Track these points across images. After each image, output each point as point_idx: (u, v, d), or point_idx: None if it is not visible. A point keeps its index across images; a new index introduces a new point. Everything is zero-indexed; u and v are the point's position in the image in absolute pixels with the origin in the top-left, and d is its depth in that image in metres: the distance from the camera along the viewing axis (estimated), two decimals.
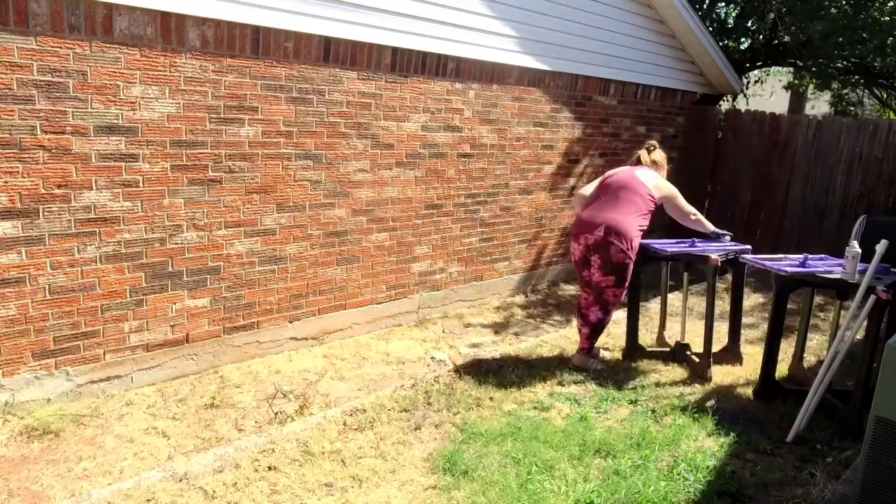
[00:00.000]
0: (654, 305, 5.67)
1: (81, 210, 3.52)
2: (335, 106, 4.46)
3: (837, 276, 3.68)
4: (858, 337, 3.84)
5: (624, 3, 6.46)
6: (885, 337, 3.09)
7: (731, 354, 4.58)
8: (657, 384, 4.20)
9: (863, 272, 3.55)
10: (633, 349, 4.63)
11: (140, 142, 3.64)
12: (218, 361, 4.26)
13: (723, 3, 11.19)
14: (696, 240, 4.62)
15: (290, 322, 4.59)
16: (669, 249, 4.46)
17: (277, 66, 4.10)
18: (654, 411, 3.82)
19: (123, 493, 2.77)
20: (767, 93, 13.70)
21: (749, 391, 4.13)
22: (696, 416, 3.73)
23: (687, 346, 4.59)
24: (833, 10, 8.80)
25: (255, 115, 4.07)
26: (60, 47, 3.28)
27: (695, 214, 4.54)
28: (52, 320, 3.54)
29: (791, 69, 12.24)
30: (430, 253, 5.43)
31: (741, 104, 11.76)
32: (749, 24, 10.84)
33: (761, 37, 10.83)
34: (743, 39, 11.15)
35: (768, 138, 7.60)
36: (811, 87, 11.56)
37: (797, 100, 14.97)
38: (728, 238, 4.64)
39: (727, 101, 10.88)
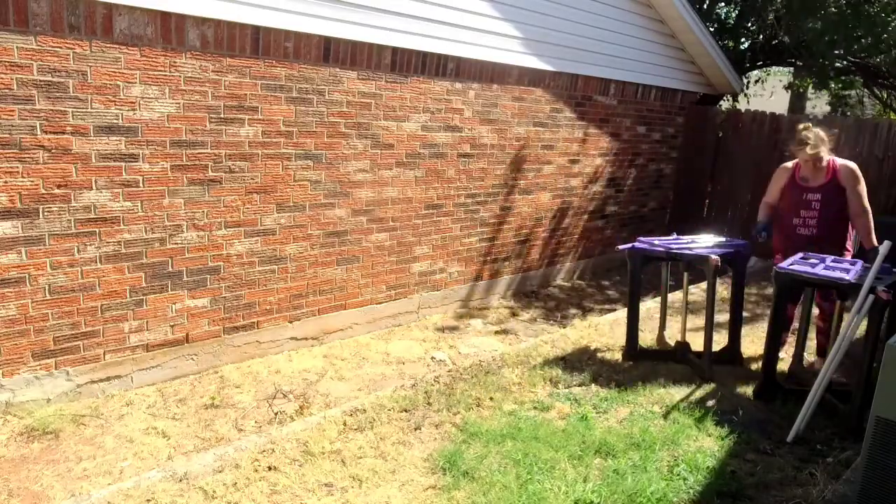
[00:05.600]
0: (654, 305, 5.67)
1: (81, 210, 3.52)
2: (335, 106, 4.46)
3: (837, 276, 3.68)
4: (858, 337, 3.83)
5: (624, 3, 6.46)
6: (885, 337, 3.09)
7: (731, 354, 4.58)
8: (657, 384, 4.20)
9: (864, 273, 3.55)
10: (634, 349, 4.63)
11: (140, 142, 3.64)
12: (218, 361, 4.26)
13: (723, 3, 11.20)
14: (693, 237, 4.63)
15: (290, 322, 4.59)
16: (672, 248, 4.45)
17: (277, 66, 4.10)
18: (653, 411, 3.82)
19: (123, 493, 2.77)
20: (767, 93, 13.70)
21: (749, 391, 4.13)
22: (696, 416, 3.72)
23: (687, 346, 4.58)
24: (832, 9, 8.81)
25: (255, 115, 4.07)
26: (60, 47, 3.28)
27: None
28: (52, 320, 3.54)
29: (791, 69, 12.25)
30: (430, 253, 5.43)
31: (741, 104, 11.77)
32: (749, 25, 10.84)
33: (761, 37, 10.84)
34: (743, 39, 11.15)
35: (768, 138, 7.60)
36: (811, 86, 11.57)
37: (797, 100, 14.98)
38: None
39: (727, 100, 10.89)
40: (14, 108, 3.20)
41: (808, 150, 4.24)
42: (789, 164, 4.58)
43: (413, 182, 5.11)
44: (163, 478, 2.89)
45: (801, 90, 13.82)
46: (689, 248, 4.44)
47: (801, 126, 4.40)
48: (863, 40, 8.64)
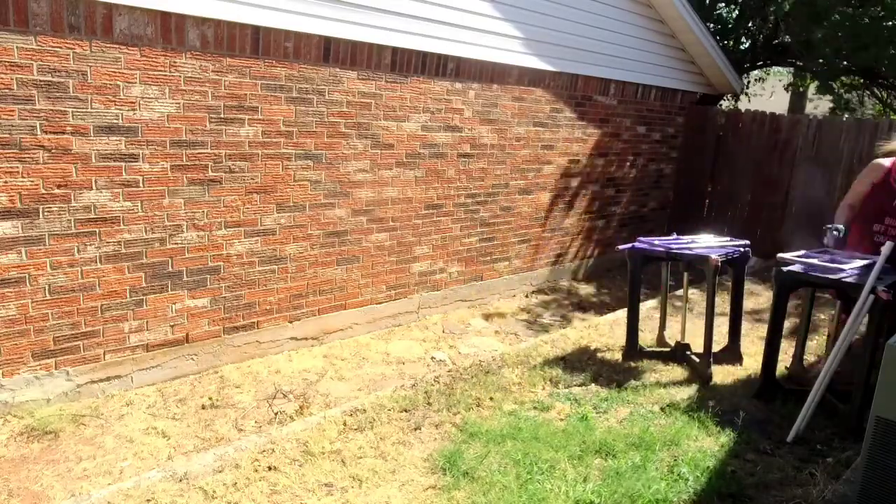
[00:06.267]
0: (654, 305, 5.67)
1: (81, 210, 3.52)
2: (335, 106, 4.46)
3: (838, 276, 3.67)
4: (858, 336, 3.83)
5: (624, 3, 6.46)
6: (886, 337, 3.08)
7: (731, 354, 4.58)
8: (657, 384, 4.20)
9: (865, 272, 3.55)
10: (634, 349, 4.63)
11: (140, 142, 3.64)
12: (218, 361, 4.26)
13: (723, 3, 11.20)
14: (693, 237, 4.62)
15: (290, 322, 4.59)
16: (672, 248, 4.45)
17: (277, 66, 4.10)
18: (653, 411, 3.82)
19: (123, 493, 2.77)
20: (767, 93, 13.71)
21: (749, 391, 4.13)
22: (696, 416, 3.72)
23: (687, 346, 4.58)
24: (836, 16, 8.79)
25: (255, 115, 4.07)
26: (60, 47, 3.28)
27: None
28: (52, 320, 3.54)
29: (791, 69, 12.25)
30: (430, 253, 5.43)
31: (741, 104, 11.77)
32: (749, 25, 10.84)
33: (761, 37, 10.84)
34: (743, 39, 11.15)
35: (768, 138, 7.60)
36: (812, 88, 11.57)
37: (797, 99, 14.98)
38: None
39: (727, 100, 10.89)
40: (14, 108, 3.20)
41: None
42: (886, 161, 3.96)
43: (413, 182, 5.11)
44: (163, 478, 2.89)
45: (802, 90, 13.82)
46: (689, 248, 4.44)
47: None
48: (871, 48, 8.60)
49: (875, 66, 9.38)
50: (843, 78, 10.83)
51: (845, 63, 9.97)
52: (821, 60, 9.21)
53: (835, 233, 3.82)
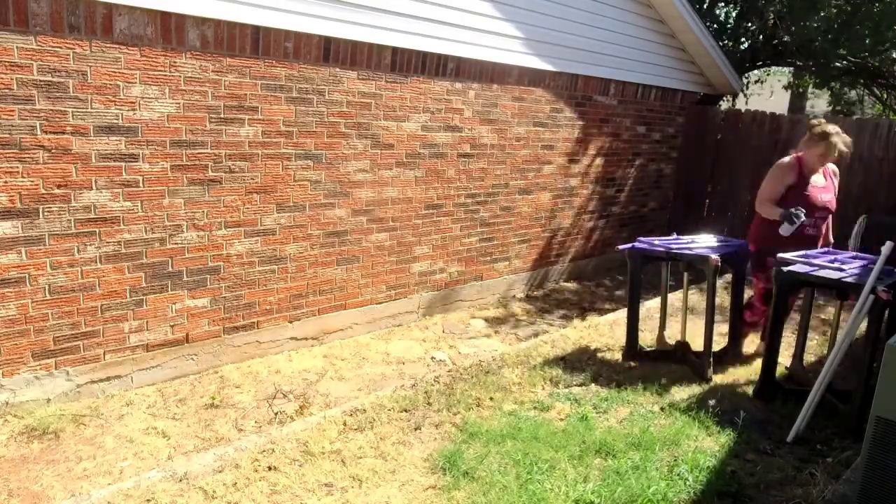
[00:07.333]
0: (654, 305, 5.67)
1: (81, 210, 3.52)
2: (335, 106, 4.46)
3: (838, 276, 3.67)
4: (858, 337, 3.84)
5: (624, 3, 6.45)
6: (885, 337, 3.09)
7: (731, 354, 4.58)
8: (657, 384, 4.20)
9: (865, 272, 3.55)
10: (633, 349, 4.63)
11: (140, 142, 3.64)
12: (218, 361, 4.26)
13: (723, 3, 11.20)
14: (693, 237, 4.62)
15: (290, 322, 4.59)
16: (672, 248, 4.45)
17: (277, 66, 4.10)
18: (653, 411, 3.82)
19: (123, 493, 2.77)
20: (767, 93, 13.70)
21: (749, 391, 4.13)
22: (696, 416, 3.73)
23: (687, 346, 4.59)
24: (833, 10, 8.82)
25: (255, 115, 4.07)
26: (60, 47, 3.27)
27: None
28: (52, 320, 3.54)
29: (791, 69, 12.26)
30: (430, 253, 5.43)
31: (741, 104, 11.77)
32: (749, 25, 10.84)
33: (761, 37, 10.83)
34: (743, 40, 11.15)
35: (768, 138, 7.60)
36: (811, 86, 11.58)
37: (797, 100, 14.98)
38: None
39: (727, 101, 10.89)
40: (14, 108, 3.20)
41: (844, 148, 4.23)
42: (788, 159, 4.39)
43: (413, 182, 5.11)
44: (163, 478, 2.89)
45: (801, 90, 13.82)
46: (689, 248, 4.44)
47: (817, 122, 4.36)
48: (865, 41, 8.64)
49: (869, 60, 9.39)
50: (843, 77, 10.83)
51: (844, 62, 9.98)
52: (822, 60, 9.22)
53: (795, 221, 4.13)
